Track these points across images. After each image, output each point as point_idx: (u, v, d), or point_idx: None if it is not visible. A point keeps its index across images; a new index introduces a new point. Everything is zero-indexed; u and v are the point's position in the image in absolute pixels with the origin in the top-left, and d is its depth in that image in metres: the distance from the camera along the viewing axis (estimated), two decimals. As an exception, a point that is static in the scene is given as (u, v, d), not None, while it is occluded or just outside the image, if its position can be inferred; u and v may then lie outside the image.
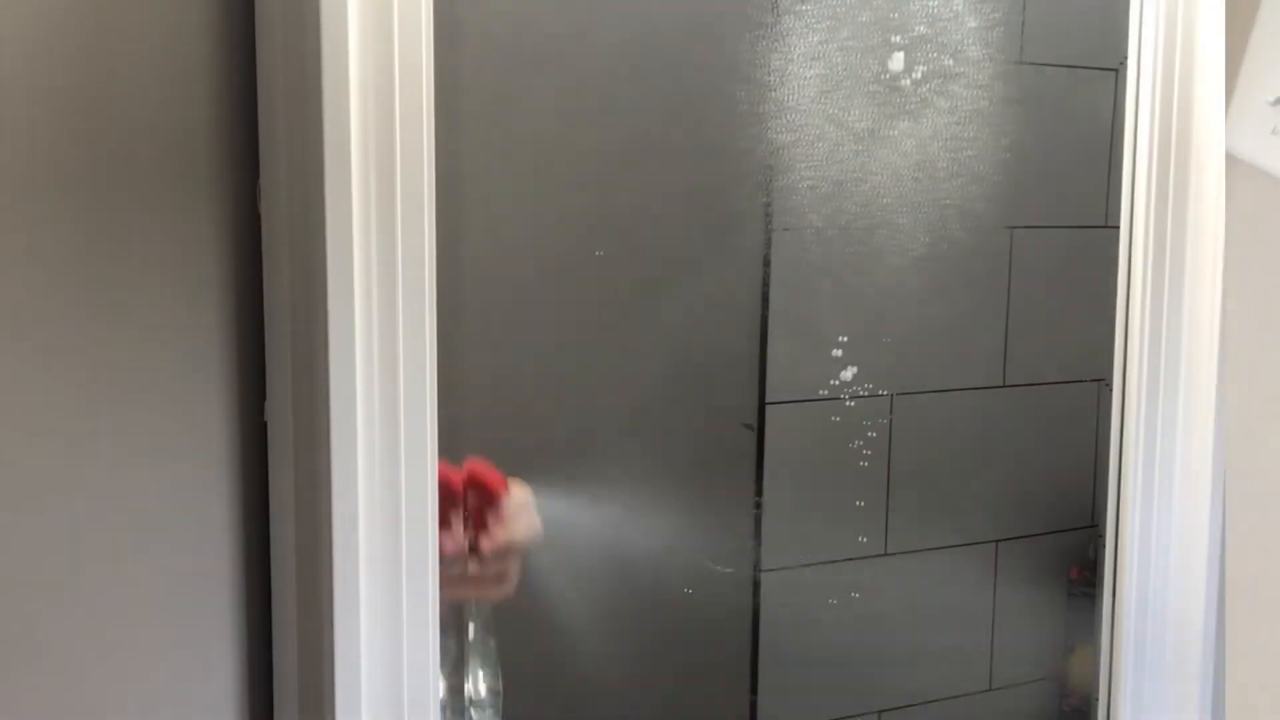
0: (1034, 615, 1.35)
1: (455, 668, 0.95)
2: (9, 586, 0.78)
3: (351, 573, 0.77)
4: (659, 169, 1.14)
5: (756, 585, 1.23)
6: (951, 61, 1.24)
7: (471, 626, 0.96)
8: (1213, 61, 1.02)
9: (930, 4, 1.23)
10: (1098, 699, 1.11)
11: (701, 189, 1.17)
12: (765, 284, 1.19)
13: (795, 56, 1.17)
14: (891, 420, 1.26)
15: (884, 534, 1.27)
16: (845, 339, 1.24)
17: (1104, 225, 1.14)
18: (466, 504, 0.91)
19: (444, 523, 0.84)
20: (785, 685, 1.25)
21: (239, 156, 0.82)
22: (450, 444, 0.84)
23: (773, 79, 1.17)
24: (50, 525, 0.79)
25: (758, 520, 1.22)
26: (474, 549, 0.91)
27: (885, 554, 1.28)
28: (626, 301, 1.14)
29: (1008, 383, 1.30)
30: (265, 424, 0.84)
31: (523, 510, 0.95)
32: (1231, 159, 1.04)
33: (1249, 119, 1.03)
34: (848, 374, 1.25)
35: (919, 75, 1.22)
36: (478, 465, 0.92)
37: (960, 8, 1.23)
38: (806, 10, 1.17)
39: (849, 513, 1.27)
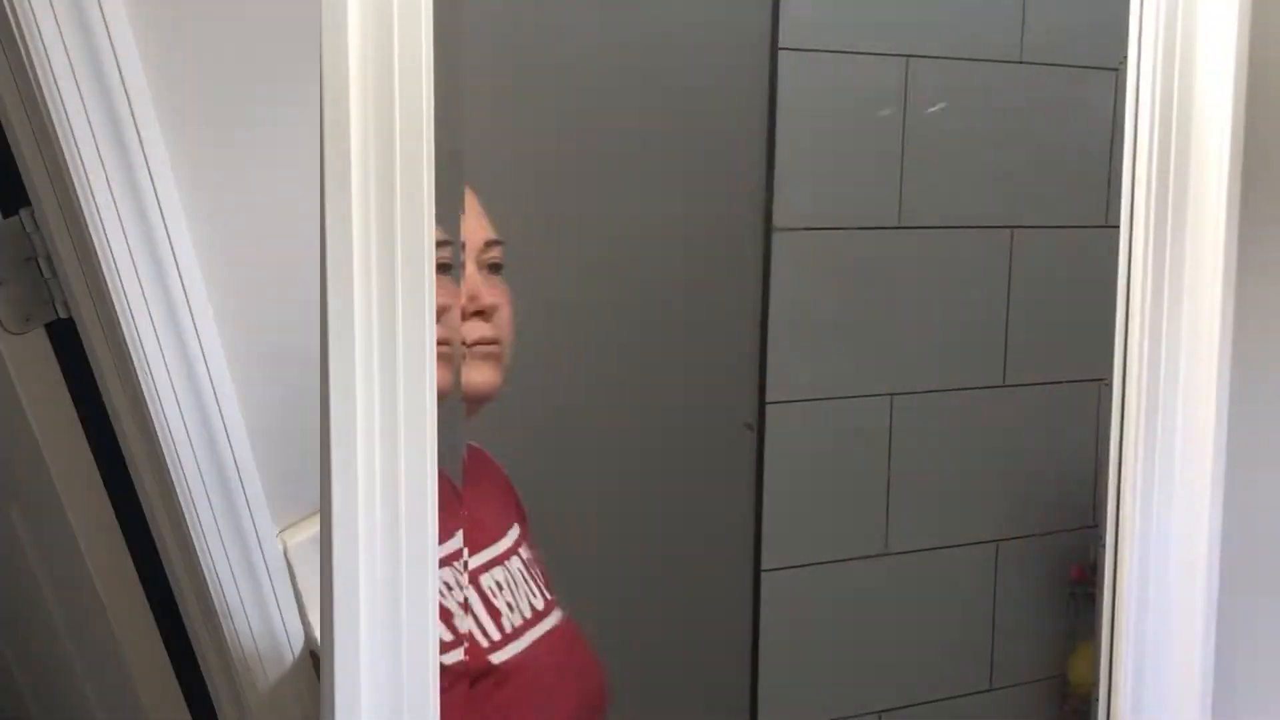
0: (1034, 615, 1.35)
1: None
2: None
3: (351, 572, 0.77)
4: (660, 170, 1.14)
5: (757, 585, 1.23)
6: (951, 62, 1.24)
7: None
8: (1213, 61, 1.02)
9: (931, 5, 1.23)
10: (1098, 699, 1.11)
11: (702, 190, 1.17)
12: (765, 284, 1.19)
13: (796, 59, 1.17)
14: (891, 420, 1.26)
15: (884, 534, 1.27)
16: (845, 339, 1.24)
17: (1104, 225, 1.15)
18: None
19: None
20: (785, 685, 1.25)
21: (239, 156, 0.83)
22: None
23: (772, 81, 1.17)
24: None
25: (758, 520, 1.22)
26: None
27: (885, 554, 1.27)
28: (627, 302, 1.14)
29: (1008, 383, 1.30)
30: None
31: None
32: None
33: None
34: (847, 373, 1.25)
35: (919, 76, 1.22)
36: None
37: (961, 8, 1.23)
38: (808, 14, 1.17)
39: (849, 512, 1.27)
